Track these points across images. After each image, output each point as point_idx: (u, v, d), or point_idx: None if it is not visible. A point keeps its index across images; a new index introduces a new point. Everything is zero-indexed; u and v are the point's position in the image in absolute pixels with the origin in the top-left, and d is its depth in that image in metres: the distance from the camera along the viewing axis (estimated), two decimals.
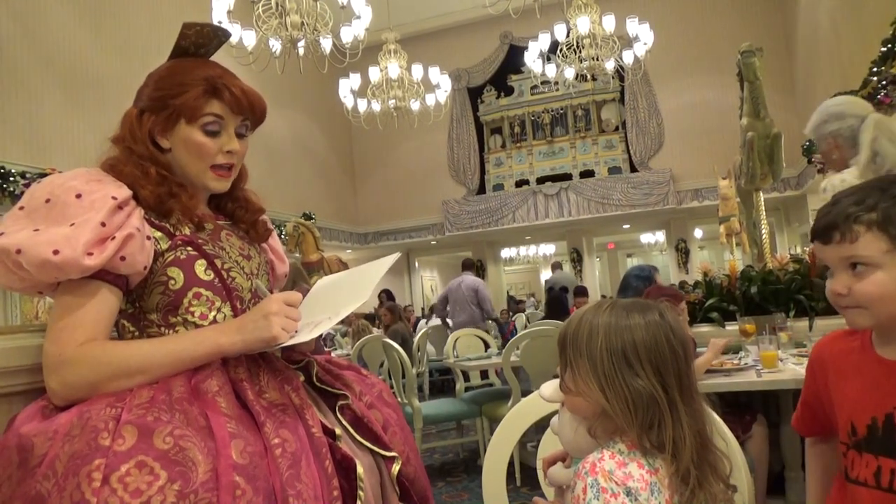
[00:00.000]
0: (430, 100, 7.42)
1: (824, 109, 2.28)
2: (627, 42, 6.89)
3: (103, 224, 0.91)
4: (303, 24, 5.02)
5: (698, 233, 12.67)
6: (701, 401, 0.86)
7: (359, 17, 5.53)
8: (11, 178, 5.64)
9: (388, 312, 6.10)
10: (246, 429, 0.88)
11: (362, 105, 7.35)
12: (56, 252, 0.87)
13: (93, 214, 0.91)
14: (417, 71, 7.08)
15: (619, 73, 7.18)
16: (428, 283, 16.38)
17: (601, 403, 0.83)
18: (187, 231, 1.04)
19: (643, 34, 6.75)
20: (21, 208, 0.94)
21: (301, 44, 5.13)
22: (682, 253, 11.76)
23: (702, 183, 10.51)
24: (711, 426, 0.86)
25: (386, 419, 1.12)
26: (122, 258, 0.93)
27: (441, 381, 7.81)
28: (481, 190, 12.06)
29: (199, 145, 1.05)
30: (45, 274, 0.89)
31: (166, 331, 1.00)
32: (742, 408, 2.55)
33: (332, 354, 4.93)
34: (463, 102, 12.12)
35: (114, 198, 0.95)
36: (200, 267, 1.03)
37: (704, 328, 3.18)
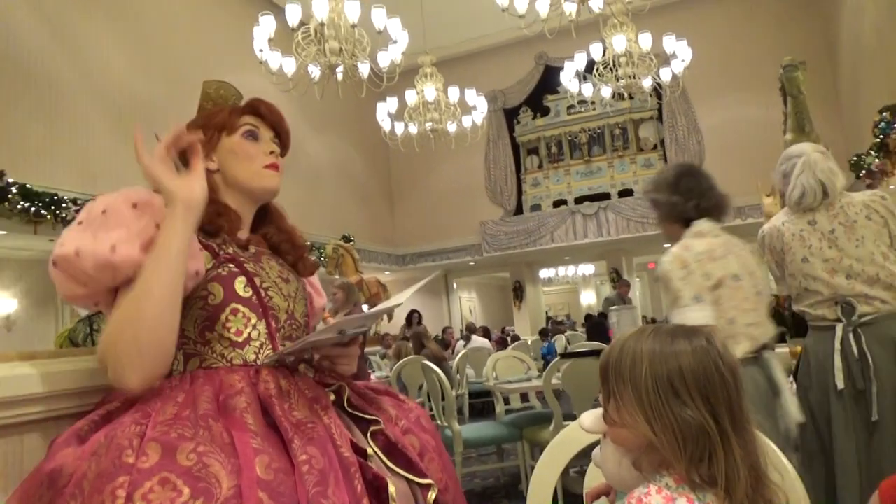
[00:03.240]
0: (467, 121, 7.46)
1: (783, 153, 2.34)
2: (664, 59, 6.82)
3: (158, 226, 0.95)
4: (341, 49, 5.11)
5: None
6: (754, 431, 0.81)
7: (395, 42, 5.60)
8: (63, 205, 5.84)
9: (412, 340, 6.03)
10: (272, 445, 0.87)
11: (399, 128, 7.42)
12: (113, 249, 0.91)
13: (148, 219, 0.96)
14: (454, 93, 7.12)
15: (657, 90, 7.11)
16: (466, 305, 16.34)
17: (647, 435, 0.78)
18: (231, 250, 1.08)
19: (681, 51, 6.69)
20: (80, 223, 0.97)
21: (339, 69, 5.22)
22: None
23: (745, 200, 10.25)
24: (766, 458, 0.81)
25: (423, 445, 1.09)
26: None
27: (481, 404, 7.73)
28: (519, 210, 12.02)
29: (244, 148, 1.13)
30: (103, 273, 0.92)
31: (201, 348, 1.01)
32: None
33: (372, 377, 4.91)
34: (499, 123, 12.15)
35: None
36: (240, 284, 1.04)
37: None
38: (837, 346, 2.04)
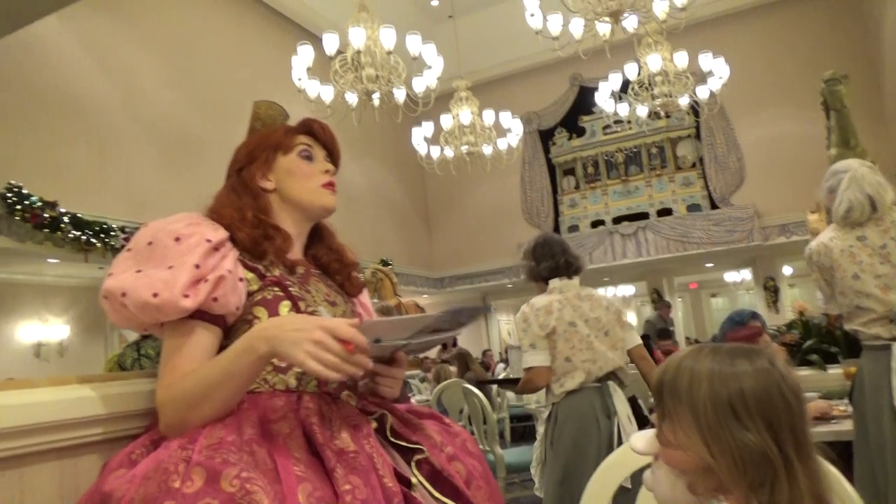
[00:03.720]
0: (502, 144, 7.48)
1: (829, 169, 2.34)
2: (701, 77, 6.76)
3: (197, 266, 0.96)
4: (377, 76, 5.20)
5: (787, 270, 12.03)
6: (819, 459, 0.77)
7: (430, 67, 5.68)
8: (112, 233, 6.03)
9: (456, 361, 6.01)
10: (315, 473, 0.87)
11: (435, 152, 7.48)
12: (155, 295, 0.93)
13: (189, 257, 0.96)
14: (489, 116, 7.16)
15: (694, 108, 7.05)
16: (505, 328, 16.23)
17: (704, 458, 0.75)
18: (277, 273, 1.08)
19: (718, 68, 6.62)
20: (129, 250, 1.01)
21: (376, 95, 5.31)
22: (771, 291, 11.18)
23: (789, 218, 10.04)
24: (831, 488, 0.77)
25: (469, 471, 1.06)
26: (215, 299, 0.97)
27: (522, 428, 7.64)
28: (556, 231, 11.92)
29: (301, 167, 1.15)
30: (147, 315, 0.95)
31: None
32: (849, 460, 2.36)
33: (412, 400, 4.89)
34: (534, 145, 12.15)
35: (208, 240, 1.00)
36: (284, 308, 1.04)
37: (804, 372, 2.99)
38: (894, 365, 1.97)
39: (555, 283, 2.69)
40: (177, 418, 0.92)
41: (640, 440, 0.88)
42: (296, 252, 1.16)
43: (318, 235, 1.24)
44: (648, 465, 0.92)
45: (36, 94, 6.02)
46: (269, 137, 1.16)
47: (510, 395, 6.97)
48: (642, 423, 2.58)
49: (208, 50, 7.95)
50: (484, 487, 1.06)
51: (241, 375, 0.92)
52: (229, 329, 1.03)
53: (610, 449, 2.27)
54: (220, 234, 1.03)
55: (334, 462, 0.88)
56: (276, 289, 1.05)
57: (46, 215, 5.66)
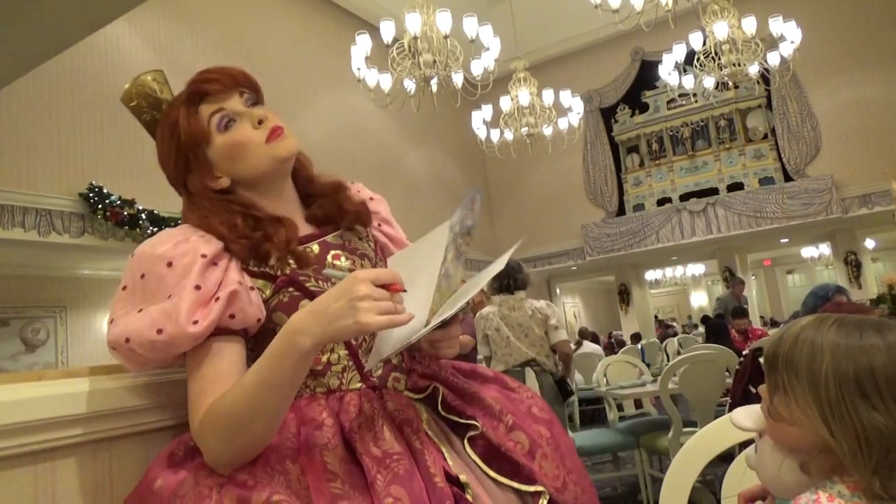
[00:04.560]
0: (563, 124, 7.35)
1: None
2: (771, 43, 6.43)
3: (198, 287, 0.86)
4: (435, 61, 5.18)
5: (870, 243, 11.41)
6: None
7: (488, 49, 5.62)
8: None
9: None
10: (353, 487, 0.81)
11: (495, 135, 7.42)
12: (160, 331, 0.83)
13: (187, 281, 0.86)
14: (548, 96, 7.04)
15: (764, 77, 6.72)
16: (571, 310, 16.08)
17: (823, 437, 0.70)
18: (289, 270, 0.96)
19: (789, 32, 6.28)
20: (123, 288, 0.91)
21: (434, 81, 5.29)
22: (853, 266, 10.62)
23: (870, 188, 9.49)
24: None
25: (533, 440, 0.98)
26: (232, 316, 0.88)
27: (591, 411, 7.55)
28: (621, 211, 11.69)
29: (233, 143, 0.96)
30: (159, 353, 0.86)
31: None
32: None
33: None
34: (596, 124, 11.89)
35: (203, 255, 0.89)
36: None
37: None
38: None
39: (496, 297, 3.89)
40: (223, 447, 0.81)
41: (743, 415, 0.83)
42: (301, 228, 1.02)
43: (300, 187, 1.08)
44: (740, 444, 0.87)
45: (110, 96, 6.29)
46: (177, 134, 0.97)
47: (579, 377, 6.90)
48: (565, 396, 3.76)
49: (269, 46, 8.11)
50: (551, 455, 0.98)
51: (286, 383, 0.81)
52: (254, 339, 0.94)
53: None
54: (213, 245, 0.91)
55: (374, 472, 0.82)
56: (290, 289, 0.95)
57: (126, 213, 5.93)
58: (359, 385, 0.97)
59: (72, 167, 5.86)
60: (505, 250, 1.06)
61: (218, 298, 0.86)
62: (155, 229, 6.06)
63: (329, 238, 1.03)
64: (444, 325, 0.96)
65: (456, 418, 0.97)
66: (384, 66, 5.55)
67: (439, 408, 0.98)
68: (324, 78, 8.63)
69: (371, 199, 1.18)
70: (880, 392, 0.67)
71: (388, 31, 5.36)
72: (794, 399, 0.72)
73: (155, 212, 6.15)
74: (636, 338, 10.80)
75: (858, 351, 0.69)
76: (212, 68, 1.00)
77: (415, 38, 5.07)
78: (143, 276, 0.89)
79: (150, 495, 0.83)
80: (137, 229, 5.99)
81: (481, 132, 7.41)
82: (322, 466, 0.82)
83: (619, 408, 5.15)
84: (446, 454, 0.91)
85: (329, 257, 1.00)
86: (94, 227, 5.89)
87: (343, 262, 1.01)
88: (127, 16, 4.00)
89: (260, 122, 0.97)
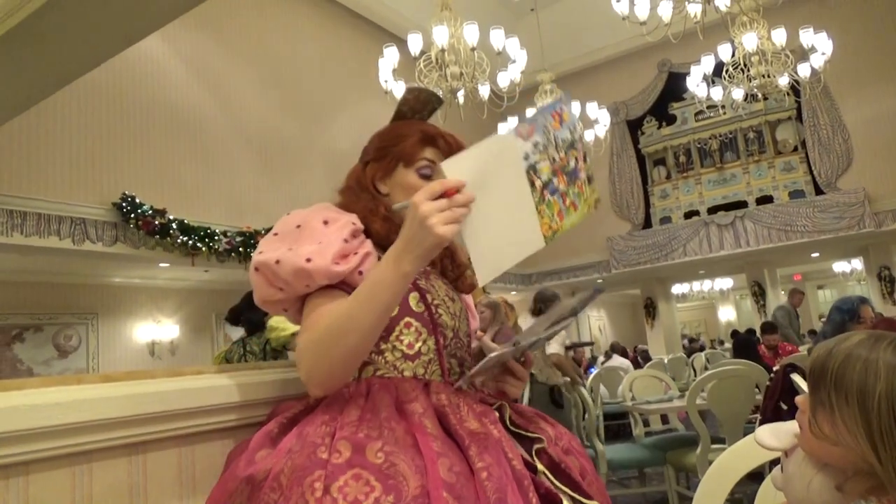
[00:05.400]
0: (589, 136, 7.34)
1: None
2: (802, 54, 6.35)
3: (346, 241, 1.02)
4: (461, 74, 5.22)
5: None
6: None
7: (514, 62, 5.64)
8: (216, 237, 6.36)
9: None
10: (451, 450, 0.88)
11: None
12: (309, 260, 0.98)
13: (337, 234, 1.02)
14: (575, 108, 7.04)
15: (795, 88, 6.63)
16: (596, 324, 15.93)
17: (868, 460, 0.67)
18: None
19: (820, 44, 6.20)
20: (275, 234, 1.06)
21: (461, 93, 5.32)
22: (887, 282, 10.36)
23: None
24: None
25: (583, 467, 1.06)
26: (360, 272, 1.02)
27: (616, 426, 7.46)
28: (647, 224, 11.58)
29: (414, 186, 1.12)
30: (299, 281, 1.00)
31: (376, 357, 1.05)
32: None
33: None
34: (622, 136, 11.82)
35: (353, 224, 1.06)
36: (413, 299, 1.08)
37: None
38: None
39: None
40: (319, 358, 0.94)
41: (769, 434, 0.81)
42: None
43: None
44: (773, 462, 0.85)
45: (143, 108, 6.44)
46: (399, 142, 1.16)
47: (604, 390, 6.83)
48: (556, 405, 3.62)
49: (298, 59, 8.24)
50: (595, 484, 1.05)
51: (385, 303, 0.91)
52: None
53: None
54: (360, 223, 1.08)
55: (469, 441, 0.90)
56: None
57: (157, 222, 6.04)
58: (440, 379, 1.07)
59: (106, 177, 5.99)
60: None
61: (357, 254, 1.03)
62: (185, 238, 6.16)
63: (430, 269, 1.19)
64: (518, 363, 1.11)
65: (523, 432, 1.05)
66: (411, 79, 5.59)
67: (507, 422, 1.05)
68: (352, 89, 8.72)
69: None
70: None
71: (415, 43, 5.41)
72: (841, 419, 0.69)
73: (185, 221, 6.26)
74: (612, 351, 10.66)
75: None
76: (451, 134, 1.20)
77: (442, 50, 5.11)
78: (298, 226, 1.05)
79: (250, 466, 0.88)
80: (168, 238, 6.09)
81: None
82: (423, 428, 0.91)
83: (645, 423, 5.08)
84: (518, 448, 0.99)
85: (432, 277, 1.16)
86: (127, 235, 6.01)
87: (440, 283, 1.16)
88: (162, 31, 4.09)
89: None
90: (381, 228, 1.10)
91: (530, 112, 6.95)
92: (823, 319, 7.44)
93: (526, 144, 0.90)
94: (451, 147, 1.16)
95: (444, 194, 0.86)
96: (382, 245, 1.08)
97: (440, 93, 5.36)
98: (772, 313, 7.43)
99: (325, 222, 1.05)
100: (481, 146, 0.88)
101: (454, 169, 0.86)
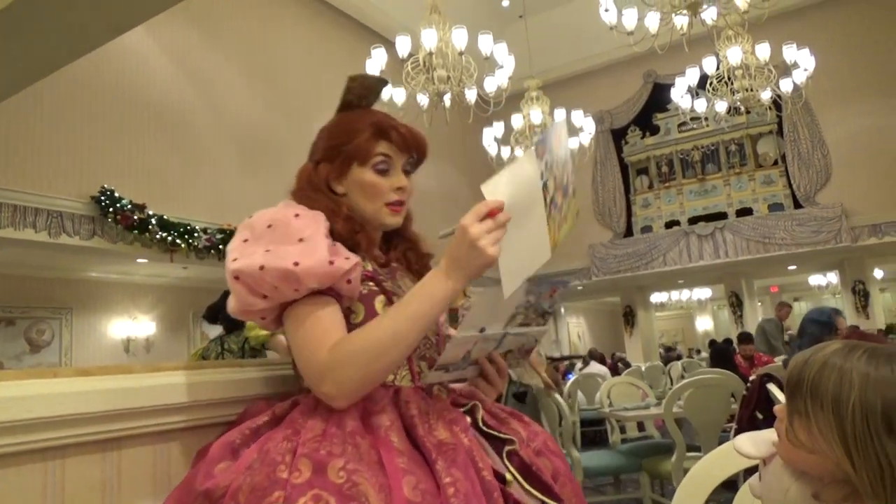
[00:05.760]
0: (574, 143, 7.37)
1: None
2: (784, 70, 6.45)
3: (326, 237, 0.97)
4: (448, 77, 5.22)
5: (879, 273, 11.36)
6: None
7: (502, 67, 5.66)
8: (196, 234, 6.30)
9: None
10: (417, 465, 0.87)
11: (506, 152, 7.45)
12: (296, 263, 0.92)
13: (316, 229, 0.97)
14: (560, 115, 7.06)
15: (777, 103, 6.73)
16: (575, 330, 16.01)
17: (843, 468, 0.68)
18: (370, 267, 1.08)
19: (803, 60, 6.30)
20: (245, 240, 0.98)
21: (447, 97, 5.33)
22: (861, 296, 10.55)
23: (881, 217, 9.47)
24: None
25: (555, 468, 1.05)
26: (349, 281, 0.97)
27: (592, 433, 7.49)
28: (628, 232, 11.68)
29: (372, 185, 1.10)
30: (287, 286, 0.93)
31: None
32: None
33: None
34: (607, 144, 11.92)
35: (325, 221, 1.02)
36: (380, 303, 1.04)
37: None
38: None
39: None
40: (359, 372, 0.90)
41: (748, 442, 0.82)
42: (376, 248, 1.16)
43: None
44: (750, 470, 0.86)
45: (127, 102, 6.36)
46: (351, 138, 1.10)
47: (581, 397, 6.86)
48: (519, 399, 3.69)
49: (285, 57, 8.20)
50: (568, 485, 1.04)
51: (430, 317, 0.93)
52: None
53: None
54: (325, 219, 1.03)
55: (435, 454, 0.88)
56: (370, 283, 1.05)
57: (136, 217, 5.97)
58: (410, 384, 1.04)
59: (85, 170, 5.91)
60: None
61: (348, 258, 0.97)
62: (164, 234, 6.09)
63: (397, 266, 1.18)
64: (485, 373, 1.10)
65: (495, 433, 1.03)
66: (398, 81, 5.59)
67: (479, 423, 1.04)
68: (338, 89, 8.50)
69: None
70: None
71: (403, 45, 5.40)
72: (817, 427, 0.70)
73: (165, 217, 6.19)
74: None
75: (888, 384, 0.67)
76: (409, 126, 1.16)
77: (430, 53, 5.12)
78: (270, 226, 0.98)
79: (208, 479, 0.85)
80: (147, 234, 6.02)
81: (492, 149, 7.43)
82: (389, 443, 0.89)
83: (622, 430, 5.11)
84: (488, 457, 0.97)
85: (398, 274, 1.14)
86: (105, 230, 5.93)
87: (407, 281, 1.14)
88: (148, 24, 4.05)
89: (399, 189, 1.13)
90: (344, 229, 1.05)
91: (516, 118, 6.97)
92: (790, 332, 7.49)
93: (541, 164, 0.96)
94: (405, 138, 1.12)
95: (489, 214, 0.90)
96: (346, 246, 1.04)
97: (427, 96, 5.38)
98: (758, 325, 7.51)
99: (297, 215, 0.99)
100: (514, 167, 0.95)
101: (492, 190, 0.92)
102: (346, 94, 1.17)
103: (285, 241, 0.96)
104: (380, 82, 1.19)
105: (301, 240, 0.95)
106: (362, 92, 1.17)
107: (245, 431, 0.93)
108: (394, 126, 1.13)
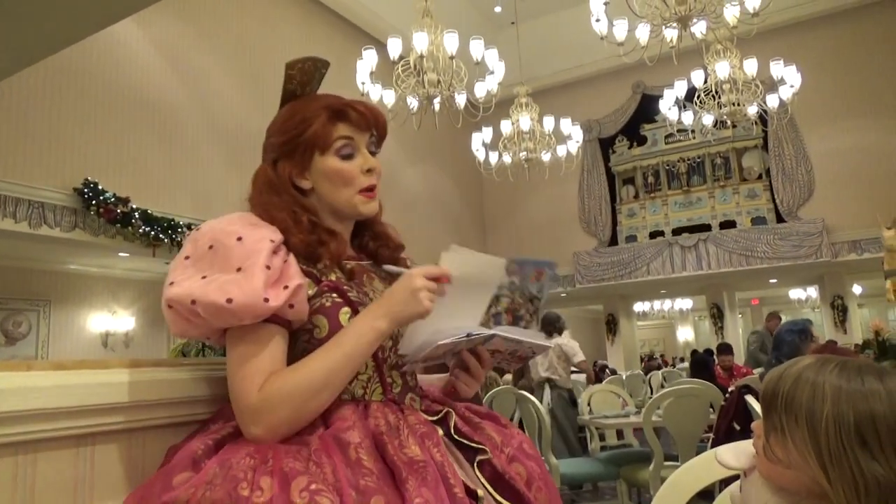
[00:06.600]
0: (562, 151, 7.40)
1: None
2: (771, 85, 6.53)
3: (267, 267, 0.91)
4: (439, 81, 5.23)
5: (857, 289, 11.51)
6: None
7: (492, 73, 5.67)
8: (179, 229, 6.24)
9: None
10: (386, 485, 0.85)
11: (494, 158, 7.46)
12: (230, 300, 0.87)
13: (257, 258, 0.91)
14: (549, 123, 7.11)
15: (762, 118, 6.81)
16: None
17: (819, 482, 0.68)
18: (333, 277, 1.02)
19: (789, 76, 6.38)
20: (186, 258, 0.95)
21: (437, 100, 5.33)
22: (839, 311, 10.69)
23: (861, 234, 9.60)
24: None
25: (529, 473, 1.03)
26: (291, 306, 0.92)
27: (575, 439, 7.50)
28: (613, 241, 11.74)
29: (338, 172, 1.05)
30: (221, 320, 0.90)
31: None
32: None
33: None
34: (594, 153, 11.98)
35: (271, 241, 0.95)
36: (345, 315, 0.99)
37: None
38: None
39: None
40: (292, 413, 0.89)
41: (729, 453, 0.82)
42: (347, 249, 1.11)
43: (364, 221, 1.17)
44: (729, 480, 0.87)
45: (114, 94, 6.30)
46: (305, 127, 1.04)
47: None
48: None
49: (274, 55, 8.15)
50: (544, 489, 1.03)
51: (362, 356, 0.94)
52: (291, 336, 0.99)
53: None
54: (278, 235, 0.98)
55: (406, 473, 0.86)
56: (333, 295, 1.00)
57: (119, 211, 5.90)
58: (381, 398, 1.02)
59: (68, 161, 5.84)
60: None
61: (287, 287, 0.92)
62: (147, 229, 6.03)
63: (365, 264, 1.13)
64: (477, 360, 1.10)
65: (467, 441, 1.01)
66: (388, 83, 5.59)
67: (452, 431, 1.02)
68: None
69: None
70: (881, 441, 0.66)
71: (394, 48, 5.40)
72: (792, 442, 0.71)
73: (149, 211, 6.13)
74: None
75: (860, 397, 0.67)
76: (365, 102, 1.11)
77: (421, 56, 5.12)
78: (211, 247, 0.94)
79: (167, 491, 0.82)
80: (129, 228, 5.96)
81: (480, 154, 7.45)
82: (358, 462, 0.87)
83: (601, 437, 5.13)
84: (459, 472, 0.95)
85: (365, 278, 1.09)
86: (87, 222, 5.86)
87: (377, 283, 1.11)
88: (136, 16, 4.02)
89: (368, 171, 1.08)
90: (301, 243, 1.00)
91: (505, 124, 6.97)
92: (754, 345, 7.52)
93: (505, 279, 1.05)
94: (363, 116, 1.06)
95: (437, 279, 0.96)
96: (304, 257, 1.00)
97: (417, 99, 5.38)
98: (747, 338, 7.57)
99: (240, 238, 0.94)
100: (480, 259, 1.03)
101: (450, 261, 0.99)
102: (286, 84, 1.11)
103: (224, 268, 0.91)
104: (321, 64, 1.12)
105: (239, 269, 0.90)
106: (303, 78, 1.11)
107: (208, 442, 0.90)
108: (349, 104, 1.07)
